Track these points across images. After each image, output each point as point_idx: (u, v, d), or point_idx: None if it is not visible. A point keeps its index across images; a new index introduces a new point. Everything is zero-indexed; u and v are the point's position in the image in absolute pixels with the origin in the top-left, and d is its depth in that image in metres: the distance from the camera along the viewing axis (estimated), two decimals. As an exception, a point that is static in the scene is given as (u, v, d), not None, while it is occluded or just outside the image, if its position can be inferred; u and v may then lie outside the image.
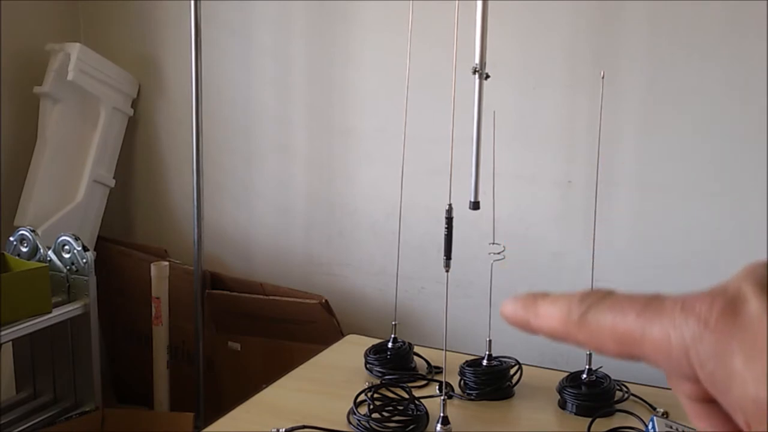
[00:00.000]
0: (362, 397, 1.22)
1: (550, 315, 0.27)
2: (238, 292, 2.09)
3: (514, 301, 0.29)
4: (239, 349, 2.10)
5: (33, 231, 1.79)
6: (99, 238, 2.29)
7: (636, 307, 0.24)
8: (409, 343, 1.42)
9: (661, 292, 0.25)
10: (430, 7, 1.82)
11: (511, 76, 1.84)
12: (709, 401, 0.26)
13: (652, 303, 0.24)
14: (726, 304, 0.23)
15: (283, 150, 2.19)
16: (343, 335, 1.71)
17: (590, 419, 1.19)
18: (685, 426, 1.01)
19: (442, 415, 1.14)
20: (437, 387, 1.29)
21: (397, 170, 1.37)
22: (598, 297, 0.26)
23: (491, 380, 1.29)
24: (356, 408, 1.21)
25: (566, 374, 1.29)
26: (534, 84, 1.86)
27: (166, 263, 2.07)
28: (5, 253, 1.77)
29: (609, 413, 1.22)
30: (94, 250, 2.23)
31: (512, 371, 1.32)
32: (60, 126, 2.12)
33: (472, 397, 1.28)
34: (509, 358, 1.35)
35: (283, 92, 2.17)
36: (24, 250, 1.78)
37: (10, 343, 1.80)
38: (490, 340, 1.32)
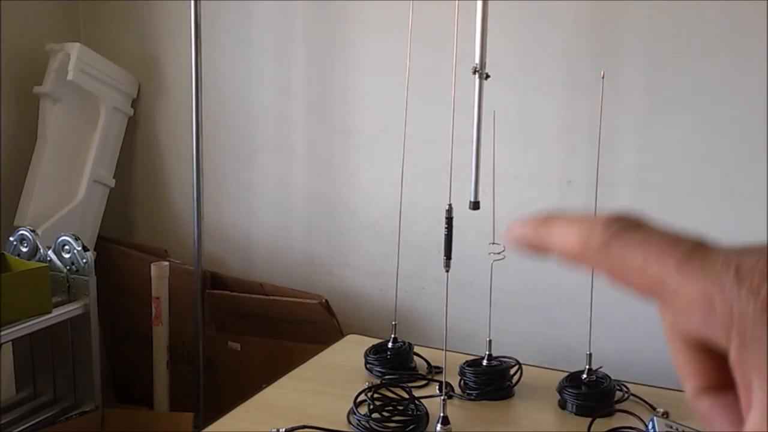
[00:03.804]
0: (362, 397, 1.22)
1: (566, 235, 0.24)
2: (238, 292, 2.09)
3: (523, 222, 0.26)
4: (239, 349, 2.10)
5: (33, 231, 1.79)
6: (99, 238, 2.29)
7: (676, 255, 0.21)
8: (409, 343, 1.42)
9: (704, 237, 0.22)
10: (430, 7, 1.82)
11: (511, 76, 1.84)
12: (707, 349, 0.23)
13: (695, 255, 0.21)
14: None
15: (283, 150, 2.19)
16: (343, 335, 1.71)
17: (590, 419, 1.19)
18: (685, 426, 1.01)
19: (442, 415, 1.14)
20: (437, 387, 1.29)
21: (397, 170, 1.37)
22: (629, 226, 0.23)
23: (491, 380, 1.29)
24: (356, 408, 1.21)
25: (566, 374, 1.29)
26: (534, 84, 1.86)
27: (166, 263, 2.07)
28: (5, 253, 1.77)
29: (609, 413, 1.22)
30: (94, 250, 2.23)
31: (512, 371, 1.32)
32: (60, 126, 2.12)
33: (472, 397, 1.28)
34: (509, 358, 1.35)
35: (283, 92, 2.17)
36: (24, 250, 1.78)
37: (10, 343, 1.80)
38: (490, 340, 1.32)
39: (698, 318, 0.21)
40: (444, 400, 1.14)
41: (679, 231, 0.22)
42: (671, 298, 0.22)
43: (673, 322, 0.24)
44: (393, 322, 1.42)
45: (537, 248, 0.26)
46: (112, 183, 2.28)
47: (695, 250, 0.21)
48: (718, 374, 0.24)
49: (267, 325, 2.04)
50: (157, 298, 2.05)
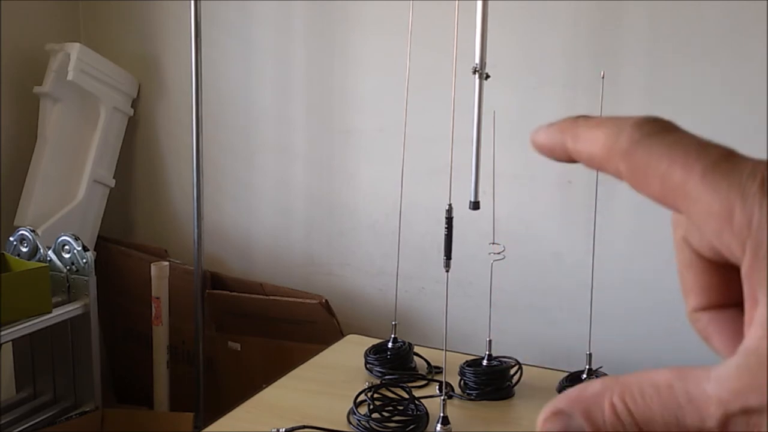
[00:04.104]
0: (362, 397, 1.22)
1: (592, 138, 0.23)
2: (238, 292, 2.09)
3: (549, 125, 0.25)
4: (239, 349, 2.10)
5: (33, 231, 1.79)
6: (99, 238, 2.29)
7: (703, 163, 0.21)
8: (409, 343, 1.42)
9: (734, 150, 0.21)
10: (430, 7, 1.82)
11: (511, 76, 1.84)
12: (716, 265, 0.23)
13: (722, 163, 0.21)
14: None
15: (283, 150, 2.19)
16: (343, 335, 1.71)
17: (590, 419, 1.19)
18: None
19: (442, 415, 1.14)
20: (437, 387, 1.29)
21: (397, 170, 1.37)
22: (658, 129, 0.22)
23: (491, 380, 1.29)
24: (356, 408, 1.21)
25: (566, 374, 1.29)
26: (534, 84, 1.86)
27: (166, 263, 2.07)
28: (5, 253, 1.77)
29: (609, 413, 1.22)
30: (94, 250, 2.23)
31: (512, 371, 1.32)
32: (60, 126, 2.12)
33: (472, 397, 1.28)
34: (509, 358, 1.35)
35: (283, 92, 2.17)
36: (24, 250, 1.78)
37: (10, 343, 1.80)
38: (490, 340, 1.32)
39: (715, 227, 0.20)
40: (444, 400, 1.14)
41: (709, 139, 0.22)
42: (691, 206, 0.21)
43: (686, 233, 0.23)
44: (393, 322, 1.42)
45: (562, 154, 0.25)
46: (112, 183, 2.28)
47: (723, 159, 0.21)
48: (723, 293, 0.24)
49: (267, 325, 2.04)
50: (157, 298, 2.05)
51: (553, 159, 0.25)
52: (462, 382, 1.30)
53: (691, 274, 0.24)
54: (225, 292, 2.10)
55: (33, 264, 1.70)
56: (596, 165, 0.23)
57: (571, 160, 0.25)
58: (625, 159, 0.22)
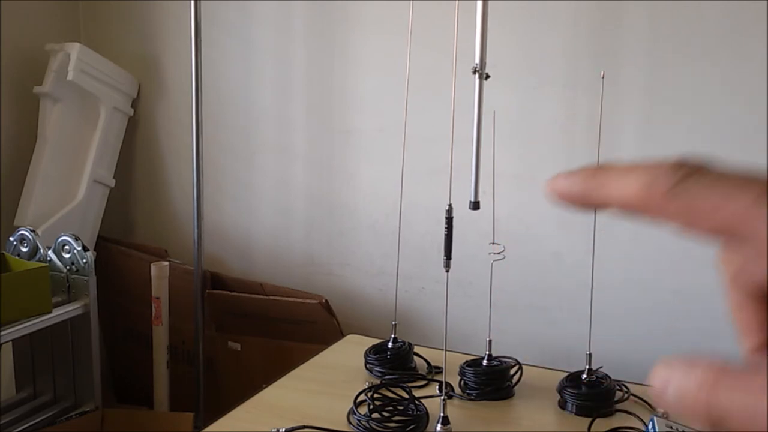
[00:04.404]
0: (362, 397, 1.22)
1: (625, 184, 0.23)
2: (238, 292, 2.09)
3: (569, 174, 0.24)
4: (239, 349, 2.10)
5: (33, 231, 1.79)
6: (99, 238, 2.29)
7: (751, 193, 0.21)
8: (409, 343, 1.42)
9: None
10: (430, 7, 1.82)
11: (511, 76, 1.84)
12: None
13: None
14: None
15: (283, 150, 2.19)
16: (343, 335, 1.71)
17: (590, 419, 1.19)
18: (684, 426, 1.01)
19: (442, 415, 1.14)
20: (437, 387, 1.29)
21: (397, 170, 1.37)
22: (697, 168, 0.22)
23: (491, 380, 1.29)
24: (356, 408, 1.21)
25: (566, 374, 1.29)
26: (534, 84, 1.86)
27: (166, 263, 2.07)
28: (5, 253, 1.77)
29: (609, 413, 1.22)
30: (94, 250, 2.23)
31: (512, 371, 1.32)
32: (60, 126, 2.12)
33: (472, 397, 1.28)
34: (509, 358, 1.35)
35: (283, 92, 2.17)
36: (24, 250, 1.78)
37: (10, 343, 1.80)
38: (490, 340, 1.32)
39: None
40: (444, 400, 1.14)
41: (749, 171, 0.22)
42: (751, 233, 0.21)
43: (738, 270, 0.23)
44: (393, 322, 1.42)
45: (588, 202, 0.24)
46: (112, 183, 2.28)
47: None
48: None
49: (267, 325, 2.04)
50: (157, 298, 2.05)
51: (573, 206, 0.25)
52: (462, 382, 1.30)
53: (745, 314, 0.24)
54: (225, 292, 2.10)
55: (33, 264, 1.70)
56: (632, 209, 0.23)
57: (592, 207, 0.24)
58: (671, 200, 0.22)
